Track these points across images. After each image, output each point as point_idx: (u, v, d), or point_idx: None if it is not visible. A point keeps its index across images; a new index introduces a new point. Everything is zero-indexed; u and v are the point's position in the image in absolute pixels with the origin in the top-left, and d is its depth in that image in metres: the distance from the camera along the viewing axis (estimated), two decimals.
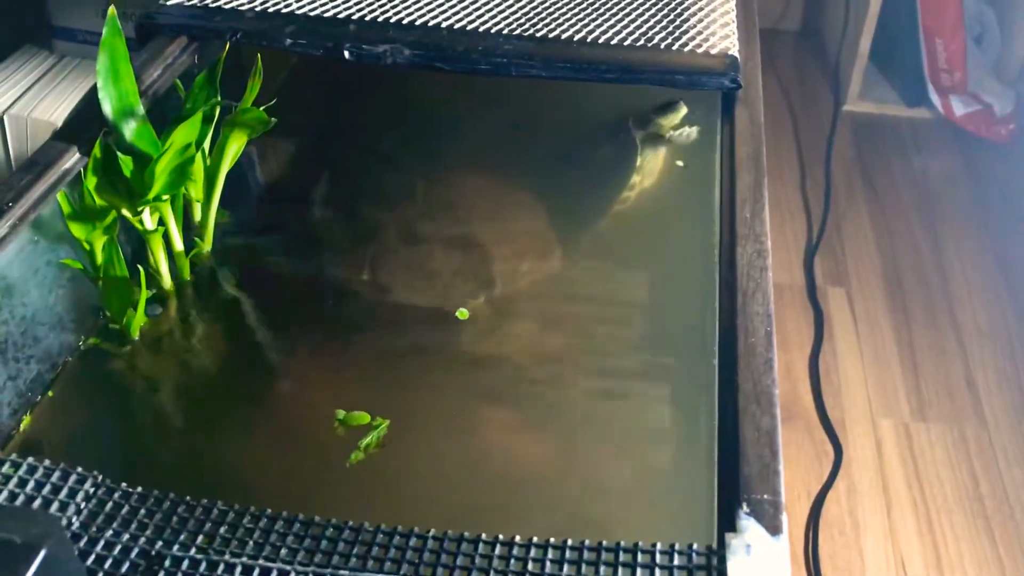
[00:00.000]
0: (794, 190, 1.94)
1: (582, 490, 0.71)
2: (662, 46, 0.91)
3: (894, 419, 1.47)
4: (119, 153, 0.78)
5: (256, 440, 0.78)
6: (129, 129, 0.81)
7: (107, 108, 0.80)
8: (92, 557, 0.51)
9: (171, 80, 0.91)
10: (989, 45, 2.15)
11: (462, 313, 0.86)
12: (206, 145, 0.88)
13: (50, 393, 0.79)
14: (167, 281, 0.88)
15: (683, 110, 1.07)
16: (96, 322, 0.85)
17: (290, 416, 0.80)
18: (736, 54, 0.90)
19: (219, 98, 0.83)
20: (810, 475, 1.38)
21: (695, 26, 0.94)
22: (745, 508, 0.53)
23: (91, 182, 0.79)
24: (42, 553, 0.40)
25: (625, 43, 0.91)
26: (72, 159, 0.80)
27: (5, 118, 1.21)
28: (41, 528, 0.41)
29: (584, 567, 0.51)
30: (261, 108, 0.87)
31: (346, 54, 0.91)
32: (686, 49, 0.90)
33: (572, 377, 0.82)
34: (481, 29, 0.93)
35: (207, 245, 0.92)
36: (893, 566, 1.27)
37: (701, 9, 0.96)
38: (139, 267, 0.82)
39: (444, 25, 0.94)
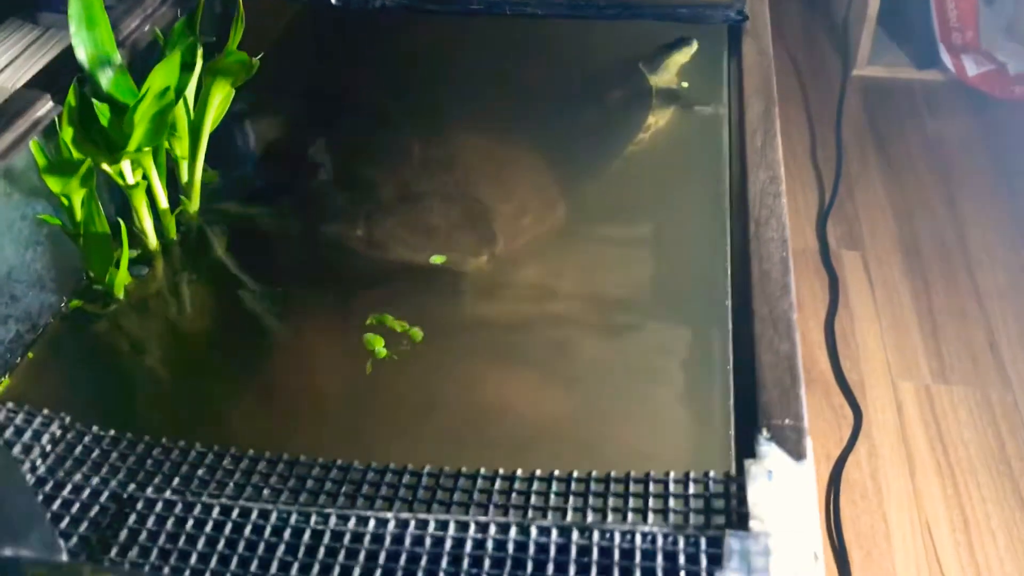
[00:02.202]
0: (805, 157, 1.89)
1: (593, 431, 0.67)
2: None
3: (915, 382, 1.42)
4: (95, 101, 0.75)
5: (247, 405, 0.74)
6: (106, 78, 0.78)
7: (81, 54, 0.76)
8: (58, 502, 0.47)
9: (151, 32, 0.87)
10: (1000, 5, 2.10)
11: (437, 258, 0.82)
12: (190, 97, 0.84)
13: (30, 355, 0.75)
14: (152, 240, 0.84)
15: (694, 46, 1.01)
16: (79, 283, 0.81)
17: (285, 378, 0.76)
18: None
19: (197, 38, 0.79)
20: (829, 439, 1.33)
21: None
22: (765, 434, 0.49)
23: (67, 133, 0.75)
24: None
25: None
26: (45, 107, 0.76)
27: None
28: None
29: (592, 499, 0.47)
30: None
31: (333, 0, 0.87)
32: None
33: (579, 326, 0.78)
34: None
35: (194, 204, 0.88)
36: (919, 529, 1.22)
37: None
38: (120, 220, 0.78)
39: None
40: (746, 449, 0.49)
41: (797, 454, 0.48)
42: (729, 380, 0.61)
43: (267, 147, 1.02)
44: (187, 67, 0.80)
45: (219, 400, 0.74)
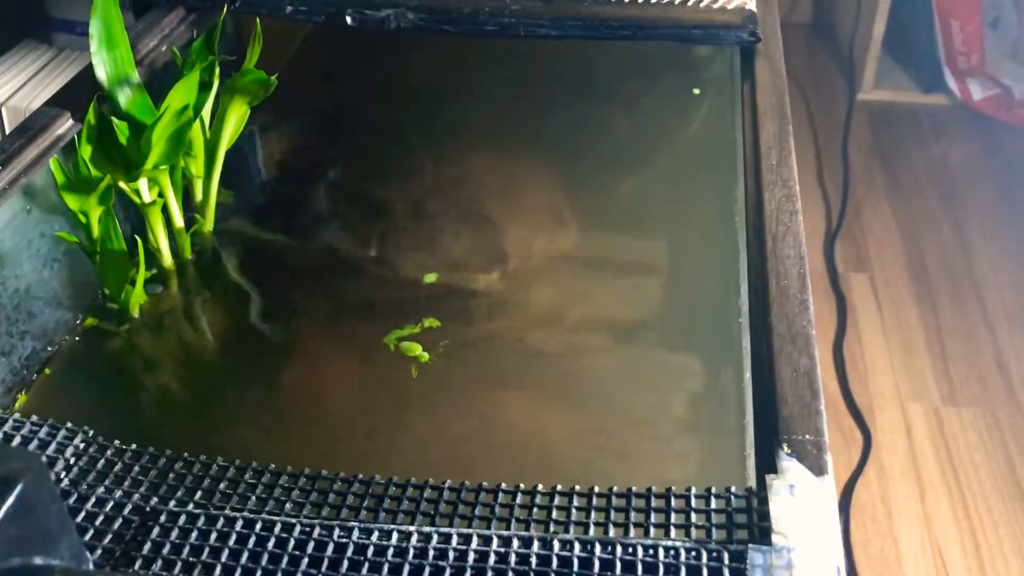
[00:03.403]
0: (811, 180, 1.90)
1: (606, 448, 0.67)
2: (676, 1, 0.87)
3: (924, 404, 1.42)
4: (114, 119, 0.75)
5: (259, 422, 0.74)
6: (124, 96, 0.78)
7: (101, 73, 0.77)
8: (82, 514, 0.47)
9: (168, 51, 0.88)
10: (1005, 30, 2.11)
11: (430, 277, 0.83)
12: (206, 117, 0.84)
13: (46, 371, 0.76)
14: (167, 259, 0.85)
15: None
16: (94, 300, 0.81)
17: (298, 396, 0.76)
18: (753, 7, 0.86)
19: (216, 57, 0.80)
20: (838, 462, 1.33)
21: None
22: (786, 449, 0.49)
23: (85, 151, 0.76)
24: (18, 488, 0.36)
25: None
26: (65, 125, 0.76)
27: (3, 109, 1.19)
28: (19, 463, 0.37)
29: (613, 514, 0.47)
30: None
31: (348, 20, 0.88)
32: (702, 4, 0.87)
33: (591, 343, 0.78)
34: None
35: (208, 224, 0.89)
36: (929, 552, 1.22)
37: None
38: (137, 238, 0.79)
39: None
40: (766, 464, 0.49)
41: (818, 469, 0.48)
42: (743, 397, 0.61)
43: (280, 166, 1.03)
44: (204, 86, 0.81)
45: (232, 418, 0.74)
